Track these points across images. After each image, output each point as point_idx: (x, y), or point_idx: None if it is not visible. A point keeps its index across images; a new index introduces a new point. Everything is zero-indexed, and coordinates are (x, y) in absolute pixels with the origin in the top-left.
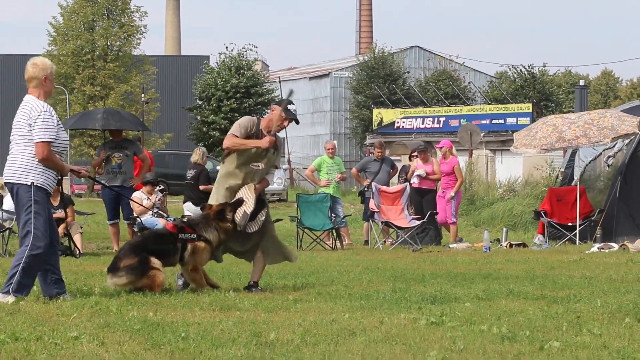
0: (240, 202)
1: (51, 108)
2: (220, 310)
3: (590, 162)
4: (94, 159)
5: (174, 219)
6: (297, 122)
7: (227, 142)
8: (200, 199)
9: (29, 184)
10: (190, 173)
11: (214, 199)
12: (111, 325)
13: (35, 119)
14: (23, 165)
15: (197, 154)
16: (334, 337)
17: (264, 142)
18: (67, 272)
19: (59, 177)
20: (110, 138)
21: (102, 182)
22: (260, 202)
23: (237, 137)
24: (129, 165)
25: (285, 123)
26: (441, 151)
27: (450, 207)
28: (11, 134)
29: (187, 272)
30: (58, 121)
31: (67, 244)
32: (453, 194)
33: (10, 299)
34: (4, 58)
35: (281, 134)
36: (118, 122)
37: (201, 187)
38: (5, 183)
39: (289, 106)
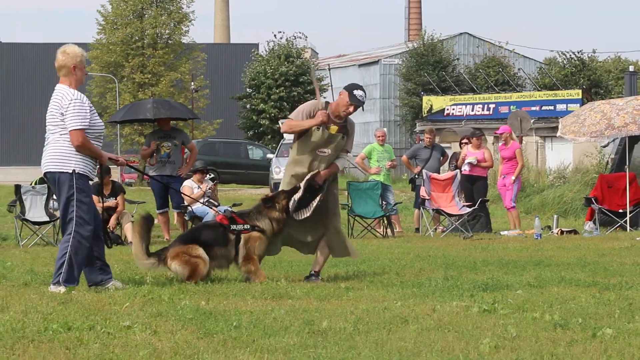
0: (295, 190)
1: (83, 95)
2: (273, 298)
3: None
4: (142, 149)
5: (225, 210)
6: (363, 108)
7: (284, 126)
8: None
9: (70, 171)
10: None
11: (281, 187)
12: (163, 314)
13: (66, 107)
14: (62, 154)
15: None
16: (386, 325)
17: (317, 119)
18: (119, 261)
19: (100, 165)
20: (158, 127)
21: (150, 173)
22: (314, 190)
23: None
24: (177, 155)
25: (351, 108)
26: (502, 137)
27: (511, 192)
28: (46, 125)
29: (242, 264)
30: (91, 108)
31: (118, 233)
32: (514, 178)
33: (62, 289)
34: (53, 47)
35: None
36: (168, 110)
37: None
38: (46, 173)
39: (355, 91)
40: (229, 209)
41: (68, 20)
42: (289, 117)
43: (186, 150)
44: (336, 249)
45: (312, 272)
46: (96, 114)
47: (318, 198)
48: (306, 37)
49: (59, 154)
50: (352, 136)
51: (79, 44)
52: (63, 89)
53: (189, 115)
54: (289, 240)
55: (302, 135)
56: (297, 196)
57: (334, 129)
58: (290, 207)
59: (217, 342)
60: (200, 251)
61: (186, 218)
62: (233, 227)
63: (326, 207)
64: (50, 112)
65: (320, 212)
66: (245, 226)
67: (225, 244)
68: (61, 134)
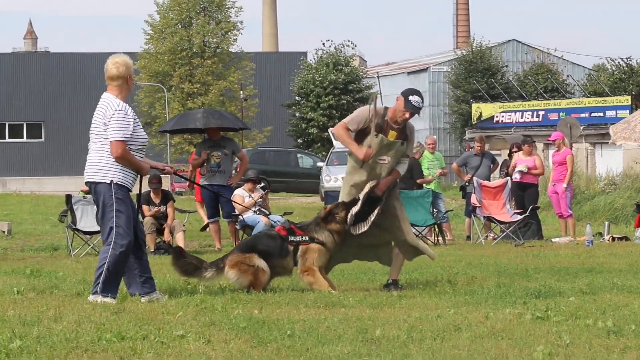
0: (354, 202)
1: (127, 106)
2: (325, 307)
3: None
4: (193, 159)
5: (284, 221)
6: (419, 114)
7: (337, 130)
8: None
9: (109, 182)
10: None
11: (341, 197)
12: (217, 323)
13: (110, 117)
14: (102, 164)
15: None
16: (439, 332)
17: (360, 154)
18: (171, 271)
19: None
20: (208, 137)
21: (200, 182)
22: (373, 201)
23: (349, 129)
24: (227, 164)
25: (407, 115)
26: (555, 143)
27: (565, 199)
28: (90, 133)
29: (301, 275)
30: (135, 119)
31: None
32: (565, 185)
33: (99, 299)
34: (101, 56)
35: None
36: (218, 120)
37: (418, 181)
38: (86, 182)
39: (411, 97)
40: (281, 218)
41: (116, 30)
42: (344, 121)
43: (236, 159)
44: (408, 252)
45: (390, 280)
46: (140, 126)
47: (376, 211)
48: (355, 45)
49: (98, 164)
50: (412, 141)
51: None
52: (109, 99)
53: (239, 125)
54: (363, 253)
55: (360, 142)
56: (355, 210)
57: (392, 135)
58: (348, 220)
59: (271, 351)
60: (260, 261)
61: (237, 227)
62: (291, 238)
63: (392, 213)
64: (94, 121)
65: (386, 218)
66: (304, 238)
67: (283, 254)
68: (102, 144)
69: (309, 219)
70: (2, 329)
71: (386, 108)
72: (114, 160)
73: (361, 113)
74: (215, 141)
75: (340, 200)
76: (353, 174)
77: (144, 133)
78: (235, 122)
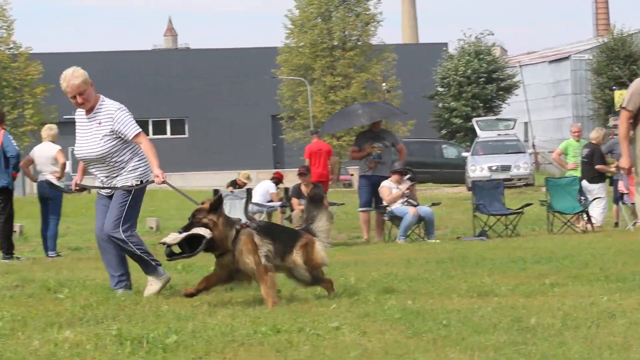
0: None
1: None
2: (479, 296)
3: None
4: (352, 149)
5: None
6: None
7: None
8: (594, 177)
9: None
10: (584, 151)
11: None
12: (371, 314)
13: None
14: None
15: (596, 132)
16: (594, 320)
17: None
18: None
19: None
20: (368, 129)
21: (361, 173)
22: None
23: (630, 111)
24: (388, 156)
25: None
26: None
27: None
28: None
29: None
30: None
31: None
32: None
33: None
34: (241, 52)
35: (523, 118)
36: (379, 112)
37: (597, 167)
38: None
39: None
40: (429, 209)
41: (255, 25)
42: (623, 106)
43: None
44: None
45: None
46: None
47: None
48: (492, 33)
49: None
50: None
51: (268, 49)
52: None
53: (398, 113)
54: None
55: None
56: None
57: None
58: None
59: (427, 341)
60: None
61: (385, 218)
62: None
63: None
64: None
65: None
66: None
67: None
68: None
69: (456, 209)
70: (158, 324)
71: None
72: None
73: (634, 87)
74: (376, 133)
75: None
76: None
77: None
78: (394, 109)
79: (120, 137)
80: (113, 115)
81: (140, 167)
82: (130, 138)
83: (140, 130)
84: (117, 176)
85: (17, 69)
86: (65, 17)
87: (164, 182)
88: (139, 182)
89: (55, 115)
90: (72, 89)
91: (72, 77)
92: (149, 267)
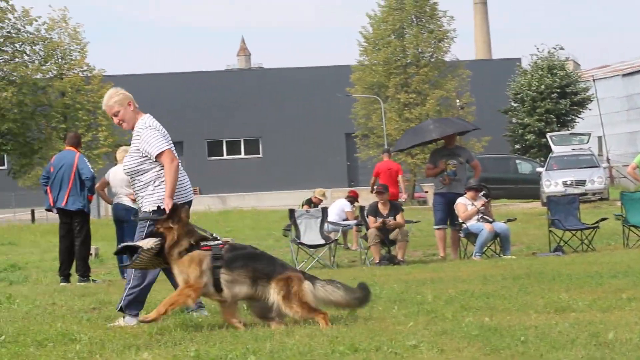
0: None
1: None
2: (556, 312)
3: None
4: (427, 167)
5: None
6: None
7: None
8: None
9: None
10: None
11: None
12: (448, 332)
13: None
14: None
15: None
16: None
17: None
18: (398, 281)
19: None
20: (443, 146)
21: (435, 190)
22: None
23: None
24: (462, 172)
25: None
26: None
27: None
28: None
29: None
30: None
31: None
32: None
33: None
34: (314, 70)
35: (597, 132)
36: (451, 126)
37: None
38: (190, 202)
39: None
40: (504, 225)
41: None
42: None
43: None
44: None
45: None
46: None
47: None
48: (563, 48)
49: None
50: None
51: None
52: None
53: (471, 127)
54: None
55: None
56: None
57: None
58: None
59: (505, 358)
60: None
61: (461, 235)
62: None
63: None
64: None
65: None
66: None
67: None
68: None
69: (531, 224)
70: (235, 345)
71: None
72: None
73: None
74: (450, 149)
75: None
76: None
77: None
78: (466, 124)
79: (146, 156)
80: (141, 134)
81: (157, 193)
82: (154, 157)
83: (166, 149)
84: (141, 197)
85: (90, 91)
86: (138, 39)
87: None
88: (155, 208)
89: (129, 137)
90: (107, 110)
91: (108, 98)
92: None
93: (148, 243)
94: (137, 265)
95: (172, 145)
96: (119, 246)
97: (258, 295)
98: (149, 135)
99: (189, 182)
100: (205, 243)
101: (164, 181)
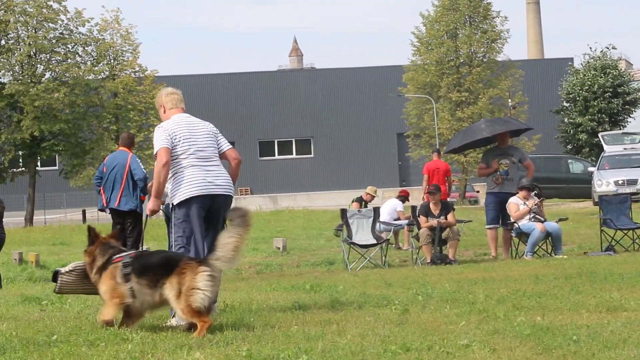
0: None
1: None
2: (607, 311)
3: None
4: (479, 167)
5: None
6: None
7: None
8: None
9: None
10: None
11: None
12: (500, 331)
13: (215, 132)
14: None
15: None
16: None
17: None
18: (449, 281)
19: None
20: (496, 145)
21: (488, 190)
22: None
23: None
24: (515, 172)
25: None
26: None
27: None
28: (207, 150)
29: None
30: None
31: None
32: None
33: None
34: (365, 71)
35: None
36: (503, 125)
37: None
38: (224, 195)
39: None
40: (556, 225)
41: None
42: None
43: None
44: None
45: None
46: None
47: None
48: (615, 48)
49: (230, 181)
50: None
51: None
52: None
53: (523, 127)
54: None
55: None
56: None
57: None
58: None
59: (557, 357)
60: None
61: (513, 235)
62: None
63: None
64: (212, 141)
65: None
66: None
67: None
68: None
69: (582, 224)
70: (287, 345)
71: None
72: None
73: None
74: (503, 149)
75: None
76: None
77: None
78: (519, 123)
79: None
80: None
81: (169, 189)
82: (154, 156)
83: (160, 148)
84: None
85: (142, 92)
86: (191, 39)
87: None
88: (170, 205)
89: None
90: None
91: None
92: None
93: (69, 266)
94: (64, 289)
95: (178, 143)
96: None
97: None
98: (155, 135)
99: (203, 177)
100: (117, 255)
101: (173, 177)
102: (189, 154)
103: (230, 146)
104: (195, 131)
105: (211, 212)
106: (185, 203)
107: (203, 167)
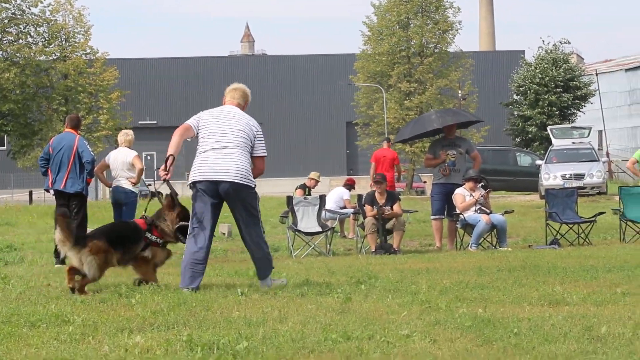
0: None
1: None
2: (549, 305)
3: None
4: (426, 157)
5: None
6: None
7: None
8: None
9: (254, 189)
10: None
11: None
12: (441, 322)
13: (257, 133)
14: (248, 170)
15: None
16: None
17: None
18: (393, 270)
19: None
20: (443, 136)
21: (434, 181)
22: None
23: None
24: (462, 163)
25: None
26: None
27: None
28: (226, 138)
29: (139, 264)
30: None
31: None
32: None
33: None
34: (318, 58)
35: (598, 126)
36: (453, 116)
37: None
38: (230, 182)
39: None
40: (502, 217)
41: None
42: None
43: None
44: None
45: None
46: None
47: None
48: (568, 42)
49: (245, 169)
50: None
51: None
52: (246, 115)
53: (473, 119)
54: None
55: None
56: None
57: None
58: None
59: (497, 350)
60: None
61: (458, 226)
62: (147, 235)
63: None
64: (235, 129)
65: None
66: (158, 240)
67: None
68: (246, 152)
69: (528, 217)
70: (228, 330)
71: None
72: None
73: None
74: (451, 140)
75: None
76: None
77: None
78: (470, 115)
79: None
80: None
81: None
82: None
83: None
84: None
85: (93, 74)
86: (142, 23)
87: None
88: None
89: (130, 120)
90: None
91: None
92: None
93: None
94: None
95: (202, 129)
96: None
97: None
98: None
99: (208, 164)
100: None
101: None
102: (206, 140)
103: (261, 154)
104: (222, 122)
105: (223, 198)
106: (193, 186)
107: (213, 155)
